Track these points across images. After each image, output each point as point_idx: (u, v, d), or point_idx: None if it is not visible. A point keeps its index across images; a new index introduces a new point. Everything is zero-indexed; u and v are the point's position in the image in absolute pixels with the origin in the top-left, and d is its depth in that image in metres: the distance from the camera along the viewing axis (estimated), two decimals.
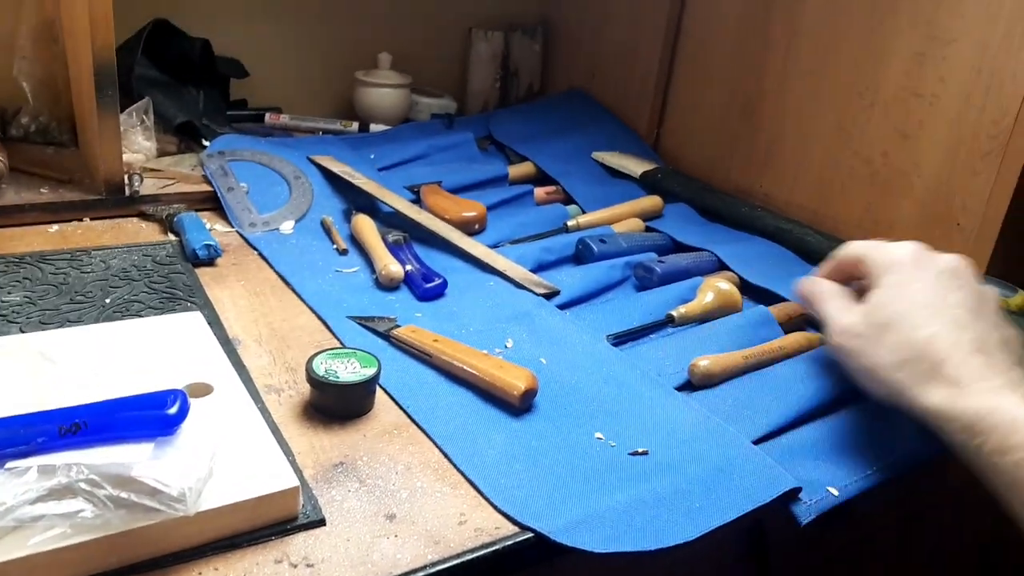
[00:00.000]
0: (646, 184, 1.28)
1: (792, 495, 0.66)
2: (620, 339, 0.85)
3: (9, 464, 0.52)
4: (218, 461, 0.56)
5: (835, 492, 0.67)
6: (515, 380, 0.72)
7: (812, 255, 1.04)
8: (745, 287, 0.96)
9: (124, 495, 0.51)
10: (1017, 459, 0.58)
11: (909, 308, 0.67)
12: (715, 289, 0.90)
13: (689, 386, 0.79)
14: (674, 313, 0.88)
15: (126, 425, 0.54)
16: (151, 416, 0.55)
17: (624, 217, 1.13)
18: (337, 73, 1.47)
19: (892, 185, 1.05)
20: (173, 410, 0.55)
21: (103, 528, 0.51)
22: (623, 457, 0.68)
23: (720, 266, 1.02)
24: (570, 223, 1.10)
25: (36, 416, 0.54)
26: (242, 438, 0.61)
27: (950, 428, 0.63)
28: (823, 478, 0.68)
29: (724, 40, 1.27)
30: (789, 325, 0.89)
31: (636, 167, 1.31)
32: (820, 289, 0.76)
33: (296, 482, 0.57)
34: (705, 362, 0.78)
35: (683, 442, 0.70)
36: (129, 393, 0.60)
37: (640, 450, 0.68)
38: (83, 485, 0.51)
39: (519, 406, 0.72)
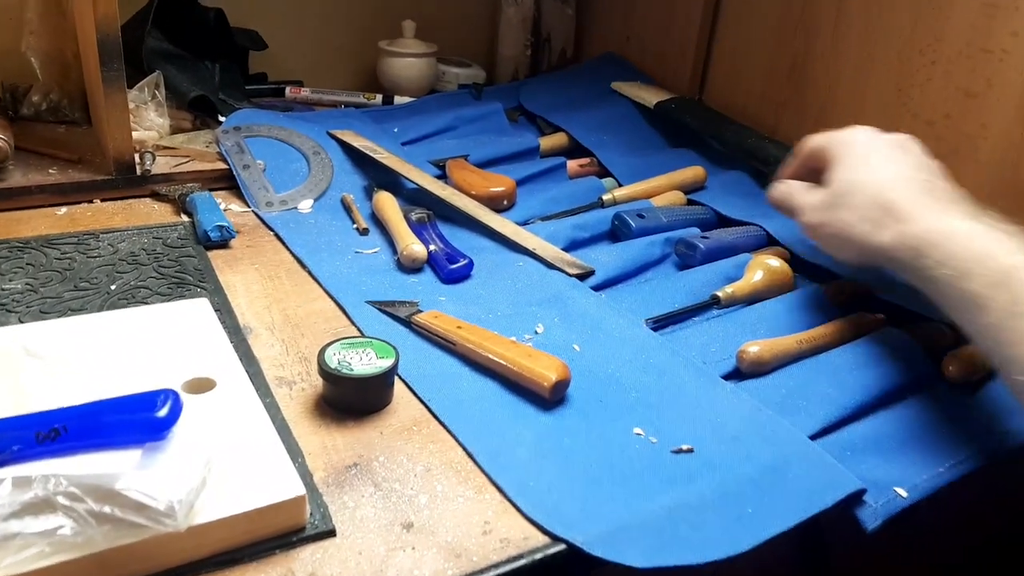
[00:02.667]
0: (660, 115, 1.22)
1: (855, 498, 0.59)
2: (660, 323, 0.78)
3: None
4: (214, 468, 0.51)
5: (903, 493, 0.60)
6: (545, 370, 0.66)
7: None
8: (796, 263, 0.88)
9: (108, 510, 0.46)
10: (957, 268, 0.62)
11: (864, 172, 0.73)
12: (764, 267, 0.83)
13: (737, 374, 0.73)
14: (719, 294, 0.81)
15: (111, 430, 0.49)
16: (138, 419, 0.50)
17: (664, 190, 1.06)
18: (359, 43, 1.41)
19: (956, 149, 0.97)
20: (163, 412, 0.50)
21: (85, 546, 0.46)
22: (665, 455, 0.61)
23: (769, 241, 0.94)
24: (605, 197, 1.03)
25: (11, 421, 0.49)
26: (244, 440, 0.55)
27: (902, 258, 0.67)
28: (889, 477, 0.61)
29: None
30: (845, 305, 0.82)
31: (652, 97, 1.24)
32: (788, 188, 0.81)
33: (302, 490, 0.52)
34: (755, 348, 0.72)
35: (732, 438, 0.63)
36: (120, 392, 0.54)
37: (684, 447, 0.62)
38: (62, 499, 0.45)
39: (550, 398, 0.66)
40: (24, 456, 0.47)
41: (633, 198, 1.05)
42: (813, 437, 0.65)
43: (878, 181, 0.71)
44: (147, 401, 0.50)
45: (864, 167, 0.73)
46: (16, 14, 1.08)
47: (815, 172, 0.79)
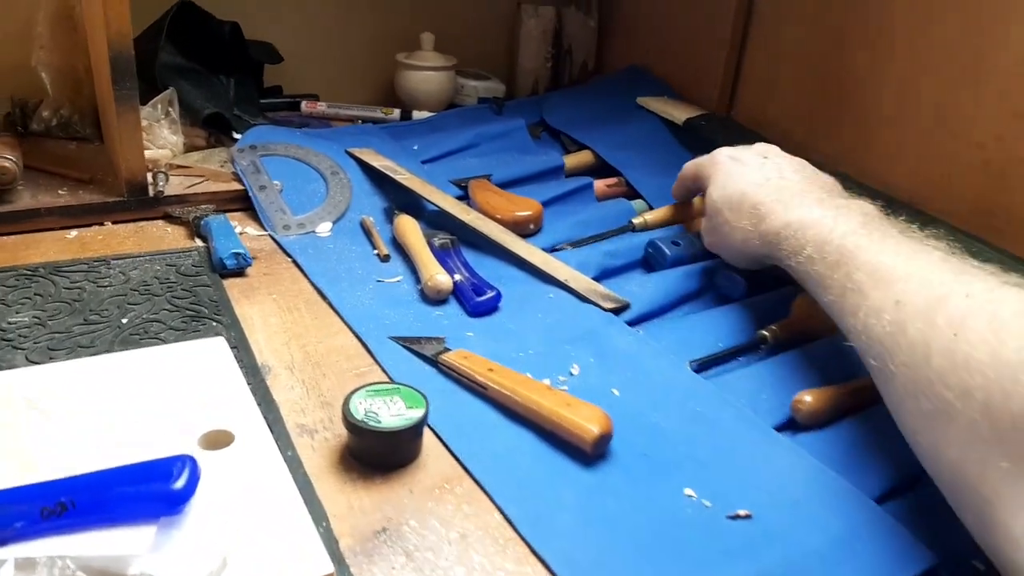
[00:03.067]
0: (690, 134, 1.18)
1: (930, 574, 0.54)
2: (705, 365, 0.74)
3: None
4: (236, 544, 0.46)
5: (981, 567, 0.55)
6: (587, 423, 0.61)
7: None
8: None
9: None
10: (805, 256, 0.71)
11: (729, 186, 0.82)
12: (813, 304, 0.78)
13: (791, 425, 0.68)
14: (766, 333, 0.76)
15: (122, 504, 0.45)
16: (153, 492, 0.45)
17: (698, 213, 1.01)
18: (376, 56, 1.37)
19: (1008, 174, 0.92)
20: (180, 484, 0.45)
21: None
22: (721, 521, 0.57)
23: None
24: (636, 221, 0.99)
25: (14, 493, 0.45)
26: (266, 506, 0.51)
27: (770, 253, 0.77)
28: (965, 548, 0.56)
29: (805, 9, 1.13)
30: None
31: (680, 113, 1.20)
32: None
33: (331, 567, 0.47)
34: (810, 397, 0.67)
35: (794, 503, 0.58)
36: (133, 450, 0.50)
37: (741, 512, 0.57)
38: None
39: (591, 453, 0.61)
40: (28, 534, 0.43)
41: (666, 222, 1.00)
42: (879, 500, 0.60)
43: (739, 190, 0.81)
44: (162, 470, 0.46)
45: (728, 181, 0.83)
46: (26, 28, 1.04)
47: (697, 191, 0.94)
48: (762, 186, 0.79)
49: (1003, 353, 0.49)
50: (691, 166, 0.92)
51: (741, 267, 0.84)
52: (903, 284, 0.59)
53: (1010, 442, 0.47)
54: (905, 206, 0.99)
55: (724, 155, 0.86)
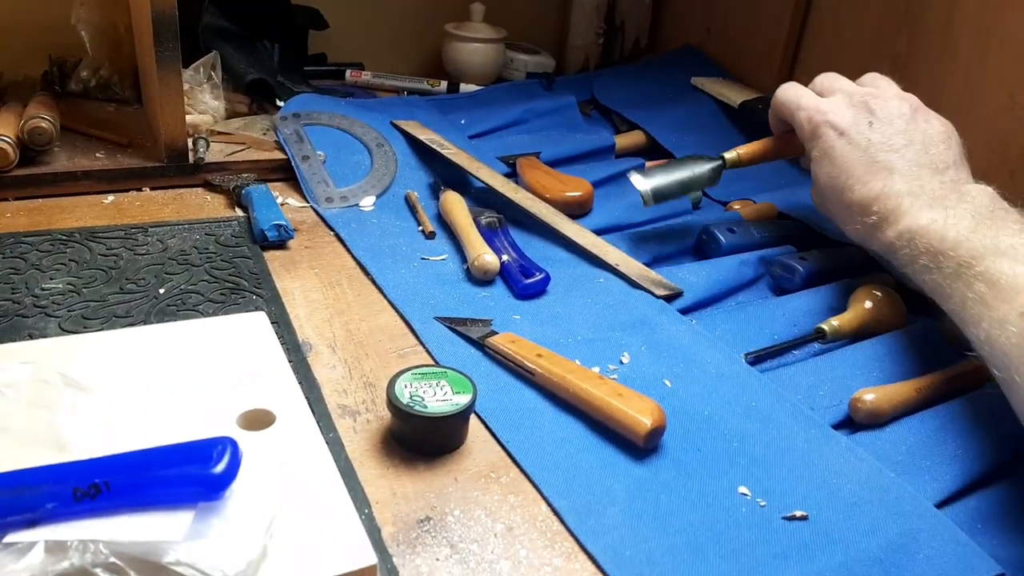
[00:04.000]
0: (746, 117, 1.14)
1: None
2: (760, 358, 0.71)
3: (9, 536, 0.40)
4: (276, 532, 0.44)
5: None
6: (639, 415, 0.58)
7: None
8: (906, 294, 0.79)
9: None
10: (921, 265, 0.68)
11: (834, 179, 0.76)
12: (873, 298, 0.75)
13: (849, 424, 0.65)
14: (825, 327, 0.73)
15: (159, 487, 0.42)
16: (191, 475, 0.43)
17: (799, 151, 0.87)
18: (424, 26, 1.33)
19: None
20: (220, 467, 0.43)
21: None
22: (776, 522, 0.54)
23: (873, 264, 0.84)
24: (728, 156, 0.87)
25: (46, 472, 0.43)
26: (308, 491, 0.48)
27: (884, 253, 0.73)
28: None
29: None
30: (964, 344, 0.73)
31: (736, 96, 1.16)
32: (800, 91, 0.83)
33: (374, 559, 0.45)
34: (871, 396, 0.64)
35: (851, 504, 0.55)
36: (170, 429, 0.48)
37: (798, 514, 0.55)
38: (101, 572, 0.39)
39: (644, 446, 0.59)
40: (59, 515, 0.41)
41: (761, 157, 0.88)
42: (939, 505, 0.57)
43: (843, 186, 0.75)
44: (202, 452, 0.44)
45: (833, 169, 0.76)
46: None
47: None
48: (868, 184, 0.73)
49: None
50: (783, 107, 0.82)
51: (831, 202, 0.77)
52: None
53: None
54: None
55: (828, 128, 0.77)
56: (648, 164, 1.05)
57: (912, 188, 0.71)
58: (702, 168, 0.87)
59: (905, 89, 0.82)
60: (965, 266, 0.63)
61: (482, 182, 0.93)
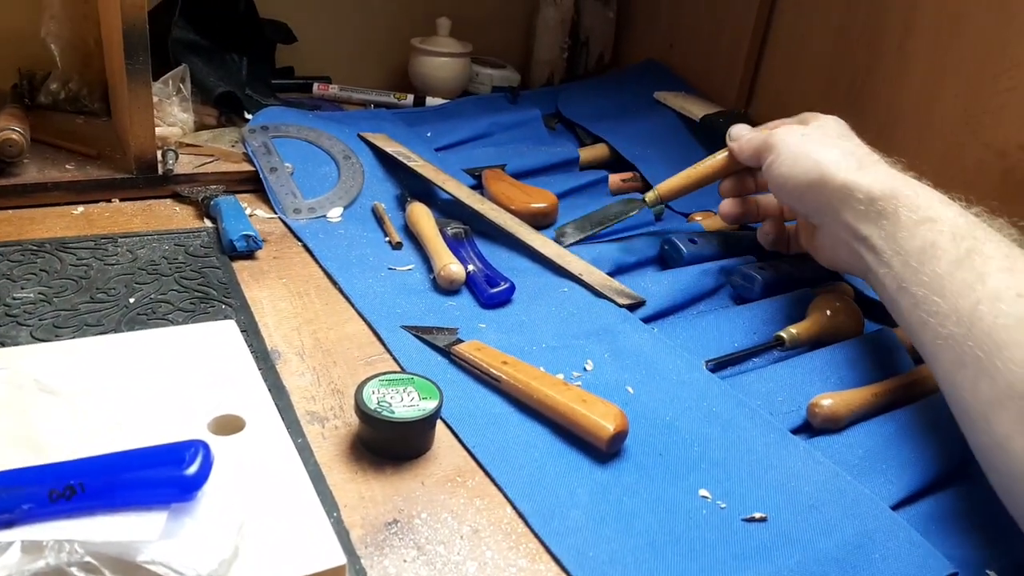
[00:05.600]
0: (707, 131, 1.16)
1: None
2: (720, 365, 0.73)
3: None
4: (247, 532, 0.45)
5: None
6: (602, 419, 0.60)
7: None
8: (863, 303, 0.82)
9: None
10: (923, 216, 0.65)
11: (826, 130, 0.79)
12: (831, 306, 0.77)
13: (807, 428, 0.67)
14: (784, 335, 0.75)
15: (133, 488, 0.43)
16: (165, 477, 0.44)
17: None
18: (391, 39, 1.35)
19: None
20: (192, 469, 0.44)
21: None
22: (736, 524, 0.56)
23: (831, 274, 0.87)
24: (648, 197, 0.94)
25: (21, 474, 0.43)
26: (277, 494, 0.50)
27: (874, 194, 0.69)
28: (979, 557, 0.56)
29: (829, 7, 1.12)
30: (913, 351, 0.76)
31: (698, 110, 1.19)
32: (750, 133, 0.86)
33: (343, 559, 0.46)
34: (828, 401, 0.66)
35: (809, 507, 0.57)
36: (143, 434, 0.49)
37: (757, 515, 0.56)
38: (77, 572, 0.40)
39: (606, 451, 0.60)
40: (35, 516, 0.42)
41: (678, 192, 0.94)
42: (894, 507, 0.59)
43: (849, 139, 0.78)
44: (175, 454, 0.45)
45: (836, 126, 0.80)
46: None
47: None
48: (868, 152, 0.76)
49: None
50: (751, 140, 0.85)
51: (790, 184, 0.77)
52: None
53: None
54: None
55: (777, 135, 0.80)
56: (612, 176, 1.08)
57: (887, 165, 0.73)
58: (617, 209, 0.95)
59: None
60: (967, 233, 0.61)
61: (448, 194, 0.95)
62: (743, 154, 0.85)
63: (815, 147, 0.76)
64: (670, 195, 0.93)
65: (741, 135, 0.86)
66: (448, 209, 0.95)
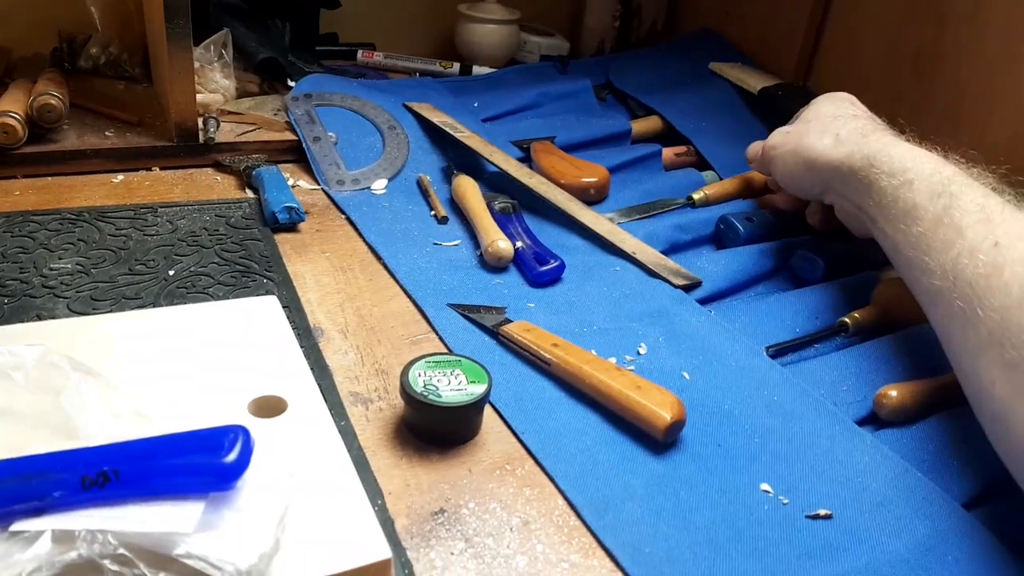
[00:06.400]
0: (765, 104, 1.12)
1: None
2: (781, 351, 0.69)
3: (16, 525, 0.39)
4: (288, 524, 0.43)
5: None
6: (659, 408, 0.57)
7: None
8: None
9: None
10: (903, 179, 0.66)
11: (833, 102, 0.82)
12: (896, 290, 0.73)
13: (874, 420, 0.63)
14: (848, 320, 0.71)
15: (169, 476, 0.41)
16: (203, 465, 0.42)
17: (759, 190, 0.94)
18: (437, 6, 1.31)
19: None
20: (232, 457, 0.42)
21: None
22: (800, 521, 0.53)
23: None
24: (696, 196, 0.92)
25: (54, 459, 0.41)
26: (320, 482, 0.47)
27: (853, 166, 0.72)
28: None
29: None
30: None
31: (755, 81, 1.14)
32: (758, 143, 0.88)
33: (388, 552, 0.44)
34: (896, 392, 0.62)
35: (877, 504, 0.54)
36: (182, 415, 0.47)
37: (821, 512, 0.53)
38: (110, 564, 0.38)
39: (663, 440, 0.57)
40: (67, 503, 0.40)
41: (728, 196, 0.94)
42: (966, 506, 0.55)
43: (847, 111, 0.80)
44: (213, 440, 0.42)
45: (822, 105, 0.83)
46: None
47: None
48: (857, 116, 0.78)
49: None
50: (756, 158, 0.88)
51: (785, 180, 0.82)
52: (1004, 227, 0.57)
53: None
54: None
55: (771, 140, 0.84)
56: (665, 150, 1.04)
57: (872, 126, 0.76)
58: (663, 204, 0.92)
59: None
60: (953, 190, 0.62)
61: (496, 167, 0.92)
62: (761, 172, 0.89)
63: (795, 139, 0.80)
64: (719, 199, 0.93)
65: (755, 154, 0.88)
66: (495, 182, 0.92)
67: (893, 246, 0.67)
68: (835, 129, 0.77)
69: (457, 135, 0.95)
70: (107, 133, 0.91)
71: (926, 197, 0.64)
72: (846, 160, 0.73)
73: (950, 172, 0.65)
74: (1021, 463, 0.51)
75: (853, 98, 0.84)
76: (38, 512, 0.40)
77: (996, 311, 0.53)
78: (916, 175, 0.66)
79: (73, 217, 0.78)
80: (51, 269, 0.70)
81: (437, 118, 0.99)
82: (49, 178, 0.85)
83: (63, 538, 0.39)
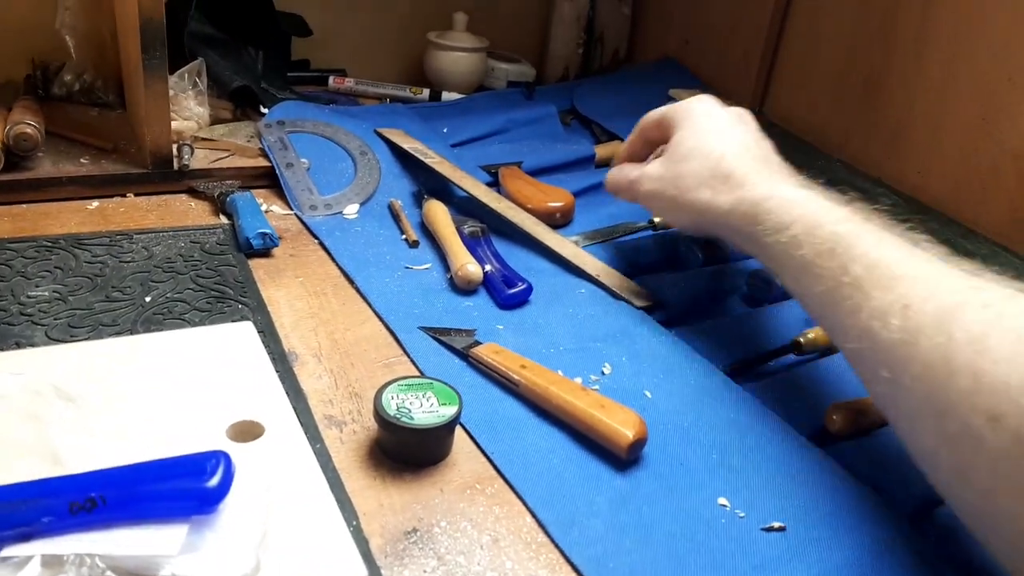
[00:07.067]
0: None
1: None
2: (738, 369, 0.72)
3: (6, 550, 0.41)
4: (267, 544, 0.45)
5: None
6: (621, 427, 0.60)
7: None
8: None
9: None
10: (789, 236, 0.63)
11: (704, 140, 0.74)
12: None
13: (822, 435, 0.66)
14: (801, 339, 0.74)
15: (154, 500, 0.43)
16: (186, 489, 0.44)
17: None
18: (407, 33, 1.34)
19: None
20: (214, 481, 0.44)
21: None
22: (755, 533, 0.56)
23: None
24: (657, 220, 0.95)
25: (42, 486, 0.43)
26: (297, 504, 0.49)
27: (738, 224, 0.69)
28: (1001, 566, 0.55)
29: (844, 6, 1.11)
30: None
31: None
32: (620, 169, 0.83)
33: (364, 571, 0.46)
34: (845, 408, 0.65)
35: (827, 515, 0.57)
36: (163, 441, 0.49)
37: (776, 525, 0.56)
38: None
39: (626, 458, 0.60)
40: (55, 529, 0.42)
41: None
42: (912, 517, 0.59)
43: (717, 149, 0.72)
44: (196, 466, 0.45)
45: (704, 135, 0.74)
46: None
47: (653, 145, 0.83)
48: (740, 155, 0.72)
49: None
50: (657, 112, 0.81)
51: (681, 228, 0.80)
52: (909, 286, 0.54)
53: None
54: (938, 214, 0.97)
55: (700, 106, 0.77)
56: None
57: (784, 168, 0.72)
58: (625, 227, 0.95)
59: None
60: (844, 245, 0.59)
61: (465, 191, 0.94)
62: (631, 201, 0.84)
63: (671, 187, 0.75)
64: None
65: (617, 186, 0.84)
66: (465, 207, 0.95)
67: (801, 301, 0.65)
68: (712, 177, 0.71)
69: (427, 160, 0.98)
70: (82, 160, 0.92)
71: (817, 254, 0.60)
72: (731, 214, 0.69)
73: (837, 217, 0.62)
74: (980, 530, 0.50)
75: (742, 112, 0.78)
76: (27, 537, 0.41)
77: (923, 381, 0.51)
78: (802, 229, 0.62)
79: (49, 244, 0.80)
80: (28, 296, 0.71)
81: (407, 144, 1.01)
82: (24, 205, 0.86)
83: (52, 562, 0.40)
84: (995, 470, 0.46)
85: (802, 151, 1.09)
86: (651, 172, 0.78)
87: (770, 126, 1.15)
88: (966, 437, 0.48)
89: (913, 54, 1.03)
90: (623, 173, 0.82)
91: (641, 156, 0.84)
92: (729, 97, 1.23)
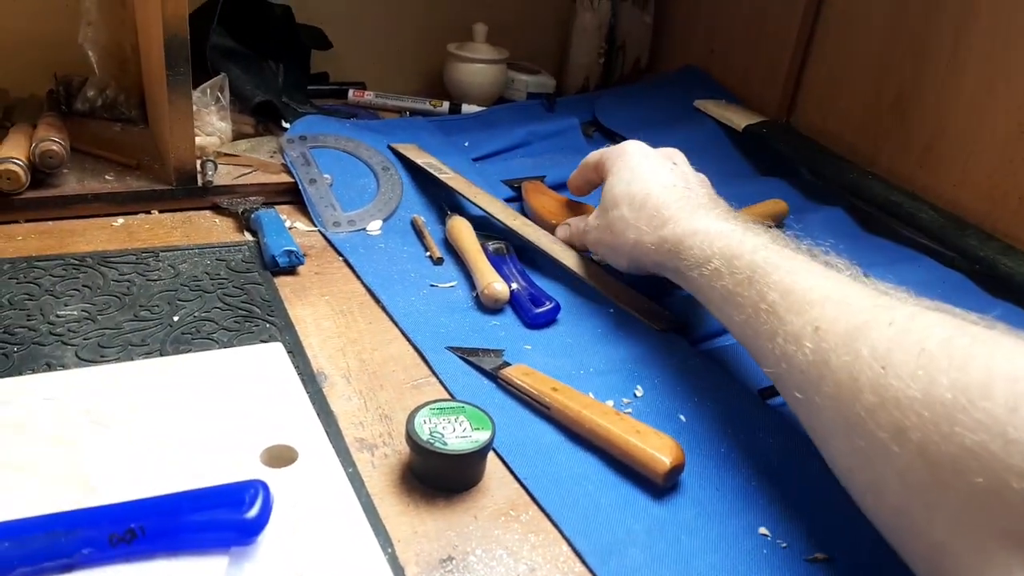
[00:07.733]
0: (749, 140, 1.15)
1: None
2: (773, 392, 0.71)
3: None
4: (307, 574, 0.44)
5: None
6: (659, 453, 0.59)
7: (998, 281, 0.88)
8: None
9: None
10: (711, 269, 0.66)
11: (631, 182, 0.78)
12: None
13: None
14: None
15: (193, 531, 0.43)
16: (226, 520, 0.43)
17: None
18: (426, 45, 1.34)
19: None
20: (253, 512, 0.43)
21: None
22: (798, 564, 0.55)
23: None
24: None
25: (80, 517, 0.43)
26: (334, 531, 0.49)
27: (663, 261, 0.73)
28: None
29: (877, 14, 1.10)
30: None
31: (740, 119, 1.17)
32: (574, 227, 0.88)
33: None
34: None
35: (874, 544, 0.56)
36: (197, 468, 0.48)
37: (819, 555, 0.55)
38: None
39: (663, 484, 0.59)
40: (95, 560, 0.41)
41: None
42: None
43: (643, 190, 0.76)
44: (234, 496, 0.44)
45: (631, 177, 0.79)
46: (73, 3, 1.02)
47: (593, 185, 0.89)
48: (668, 190, 0.76)
49: (936, 392, 0.45)
50: (596, 154, 0.87)
51: (623, 270, 0.82)
52: (820, 308, 0.56)
53: (953, 488, 0.43)
54: (972, 227, 0.96)
55: (631, 148, 0.83)
56: None
57: (709, 202, 0.75)
58: None
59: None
60: (761, 273, 0.62)
61: (480, 208, 0.93)
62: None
63: (607, 236, 0.80)
64: None
65: (569, 240, 0.89)
66: (486, 224, 0.94)
67: (728, 329, 0.67)
68: (638, 218, 0.76)
69: (441, 176, 0.97)
70: (107, 177, 0.92)
71: (737, 284, 0.63)
72: (657, 251, 0.73)
73: (754, 246, 0.64)
74: (892, 538, 0.51)
75: (672, 152, 0.84)
76: (67, 569, 0.41)
77: (833, 399, 0.52)
78: (721, 261, 0.65)
79: (76, 262, 0.79)
80: (58, 316, 0.71)
81: (422, 159, 1.00)
82: (51, 222, 0.86)
83: None
84: (904, 483, 0.47)
85: (832, 164, 1.08)
86: (591, 222, 0.83)
87: (798, 137, 1.14)
88: (875, 452, 0.49)
89: (946, 65, 1.01)
90: (575, 227, 0.88)
91: (583, 192, 0.92)
92: (756, 108, 1.23)
